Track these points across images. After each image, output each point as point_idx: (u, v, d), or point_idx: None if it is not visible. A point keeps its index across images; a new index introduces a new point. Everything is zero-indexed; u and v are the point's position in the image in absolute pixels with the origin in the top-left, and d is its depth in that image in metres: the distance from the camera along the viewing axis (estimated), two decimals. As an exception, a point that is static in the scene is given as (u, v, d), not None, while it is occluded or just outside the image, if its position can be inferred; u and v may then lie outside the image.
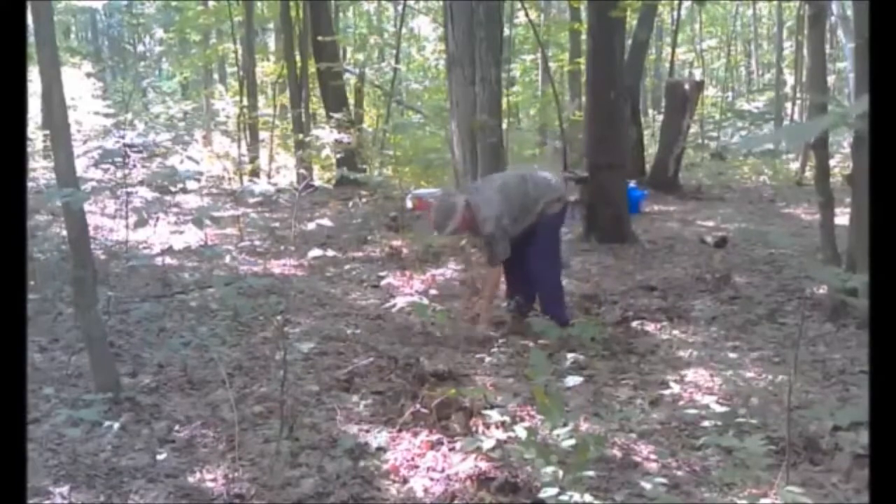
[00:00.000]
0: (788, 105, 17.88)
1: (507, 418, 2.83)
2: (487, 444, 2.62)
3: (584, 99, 9.06)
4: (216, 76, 20.93)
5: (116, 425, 2.94)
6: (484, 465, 2.70)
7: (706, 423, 2.69)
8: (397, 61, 14.66)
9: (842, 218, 4.84)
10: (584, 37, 10.63)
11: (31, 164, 10.20)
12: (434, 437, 2.96)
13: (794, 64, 16.56)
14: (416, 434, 3.01)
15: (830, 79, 15.06)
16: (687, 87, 9.58)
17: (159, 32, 23.16)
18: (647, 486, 2.52)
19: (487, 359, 3.89)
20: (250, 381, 3.62)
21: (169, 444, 2.99)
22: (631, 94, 8.60)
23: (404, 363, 3.82)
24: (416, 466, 2.78)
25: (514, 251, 4.40)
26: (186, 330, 4.33)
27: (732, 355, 4.06)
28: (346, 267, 6.00)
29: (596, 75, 7.56)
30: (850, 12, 8.76)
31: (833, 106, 12.27)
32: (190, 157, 7.06)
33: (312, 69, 11.49)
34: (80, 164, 5.10)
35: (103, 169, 5.87)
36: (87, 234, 3.41)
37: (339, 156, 9.50)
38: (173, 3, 18.54)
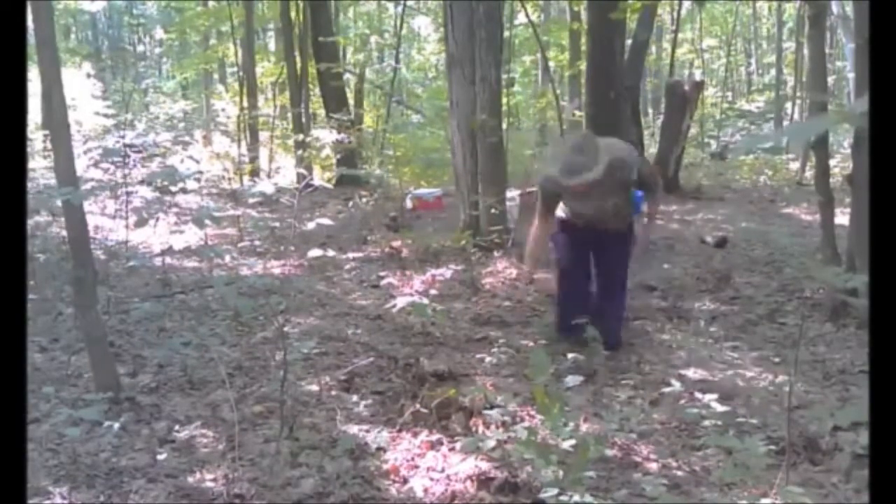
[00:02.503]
0: (788, 105, 17.88)
1: (507, 418, 2.84)
2: (487, 444, 2.63)
3: (583, 99, 9.06)
4: (216, 77, 20.93)
5: (116, 425, 2.94)
6: (484, 465, 2.70)
7: (706, 423, 2.69)
8: (397, 61, 14.66)
9: (842, 218, 4.85)
10: (584, 38, 10.63)
11: (31, 164, 10.20)
12: (434, 437, 2.96)
13: (794, 64, 16.56)
14: (416, 434, 3.01)
15: (830, 79, 15.07)
16: (687, 87, 9.56)
17: (159, 33, 23.16)
18: (647, 486, 2.52)
19: (487, 359, 3.89)
20: (250, 381, 3.62)
21: (169, 444, 2.99)
22: (631, 95, 8.60)
23: (404, 363, 3.82)
24: (416, 466, 2.78)
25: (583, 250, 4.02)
26: (186, 330, 4.33)
27: (732, 355, 4.06)
28: (346, 267, 6.00)
29: (596, 76, 7.57)
30: (850, 11, 8.76)
31: (833, 106, 12.28)
32: (190, 157, 7.06)
33: (312, 69, 11.49)
34: (80, 164, 5.10)
35: (103, 169, 5.87)
36: (87, 234, 3.41)
37: (339, 156, 9.50)
38: (173, 4, 18.54)
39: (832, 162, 6.84)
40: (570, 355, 3.45)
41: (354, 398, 3.43)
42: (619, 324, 4.11)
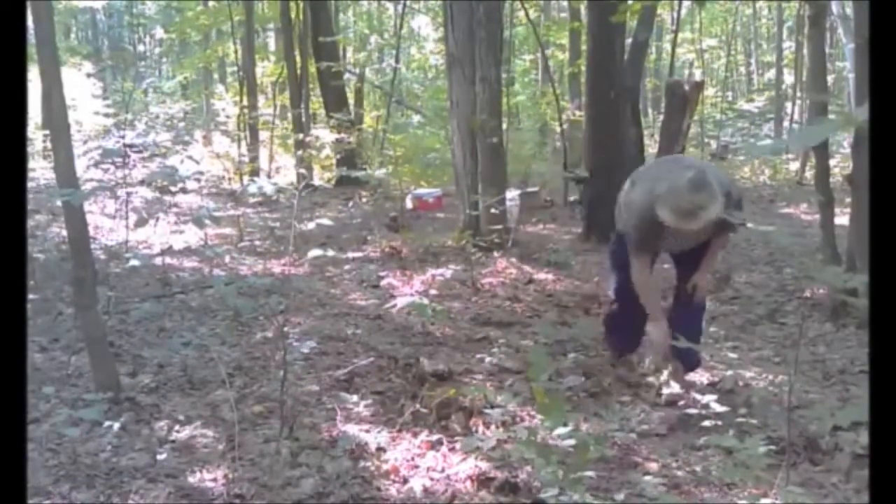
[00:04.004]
0: (788, 105, 17.88)
1: (507, 418, 2.84)
2: (487, 444, 2.63)
3: (583, 99, 9.06)
4: (216, 76, 20.92)
5: (116, 425, 2.94)
6: (484, 465, 2.70)
7: (706, 423, 2.69)
8: (397, 61, 14.66)
9: (842, 218, 4.84)
10: (584, 37, 10.62)
11: (31, 164, 10.20)
12: (434, 437, 2.95)
13: (794, 64, 16.56)
14: (416, 434, 3.01)
15: (830, 79, 15.05)
16: (687, 87, 9.55)
17: (159, 32, 23.16)
18: (647, 486, 2.52)
19: (487, 359, 3.89)
20: (250, 381, 3.62)
21: (169, 444, 2.99)
22: (631, 95, 8.59)
23: (404, 363, 3.82)
24: (416, 466, 2.77)
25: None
26: (186, 330, 4.33)
27: (732, 355, 4.05)
28: (346, 267, 6.00)
29: (596, 75, 7.55)
30: (850, 12, 8.75)
31: (833, 106, 12.27)
32: (190, 157, 7.06)
33: (312, 69, 11.49)
34: (80, 164, 5.10)
35: (103, 169, 5.87)
36: (87, 234, 3.41)
37: (339, 156, 9.50)
38: (173, 4, 18.53)
39: (832, 162, 6.84)
40: (570, 355, 3.45)
41: (354, 398, 3.42)
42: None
